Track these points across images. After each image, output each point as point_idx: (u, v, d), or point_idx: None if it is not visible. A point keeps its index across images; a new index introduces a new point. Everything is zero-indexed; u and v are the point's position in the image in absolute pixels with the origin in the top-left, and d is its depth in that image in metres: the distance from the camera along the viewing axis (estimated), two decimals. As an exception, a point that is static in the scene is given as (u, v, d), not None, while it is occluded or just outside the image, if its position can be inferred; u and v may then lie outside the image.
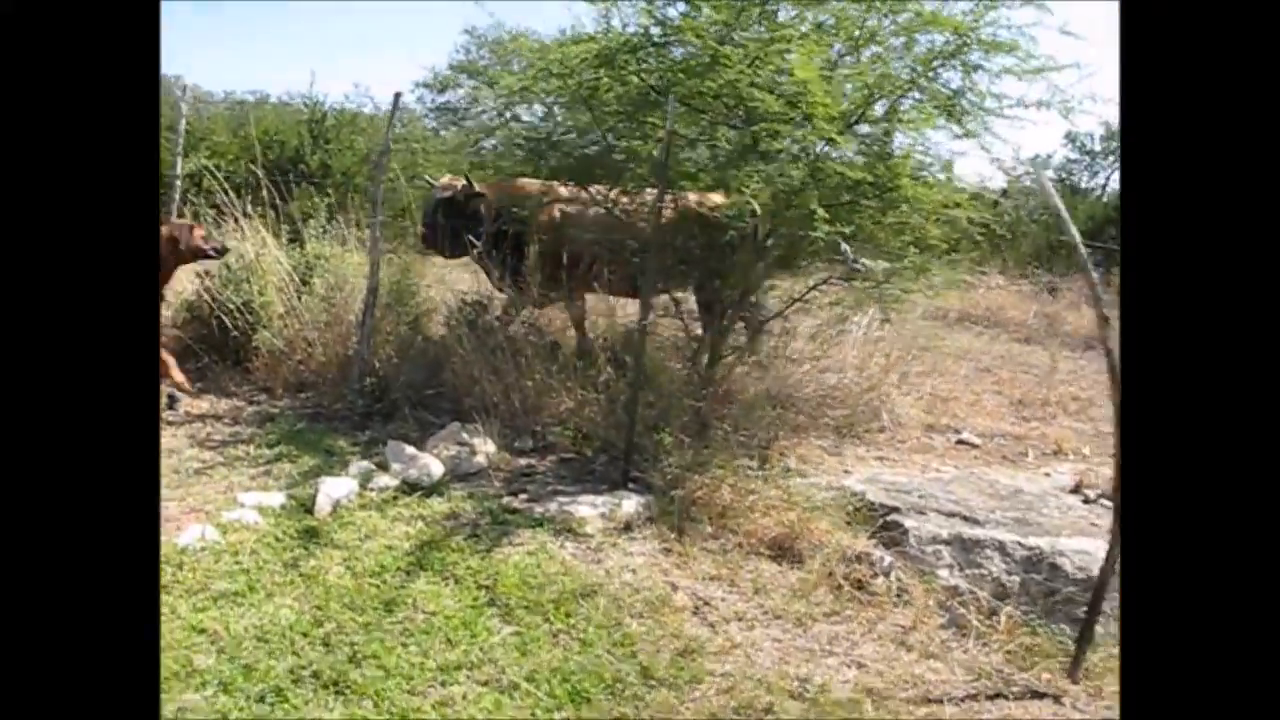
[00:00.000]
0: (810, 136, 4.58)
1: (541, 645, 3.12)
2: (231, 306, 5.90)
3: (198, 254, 5.84)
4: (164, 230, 5.64)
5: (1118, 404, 2.76)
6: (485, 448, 4.86)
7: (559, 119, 6.00)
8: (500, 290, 6.36)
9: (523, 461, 4.95)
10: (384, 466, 4.54)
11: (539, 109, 6.33)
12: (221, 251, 5.90)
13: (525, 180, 6.96)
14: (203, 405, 5.52)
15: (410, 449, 4.68)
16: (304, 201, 11.66)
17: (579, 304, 6.24)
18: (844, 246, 4.81)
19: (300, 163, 12.25)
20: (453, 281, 7.46)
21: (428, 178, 7.26)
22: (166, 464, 4.48)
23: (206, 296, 6.01)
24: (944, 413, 6.34)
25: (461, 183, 6.83)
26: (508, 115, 6.43)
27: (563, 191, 6.27)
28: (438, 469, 4.53)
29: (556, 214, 6.29)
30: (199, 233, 5.83)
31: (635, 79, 5.11)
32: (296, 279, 6.10)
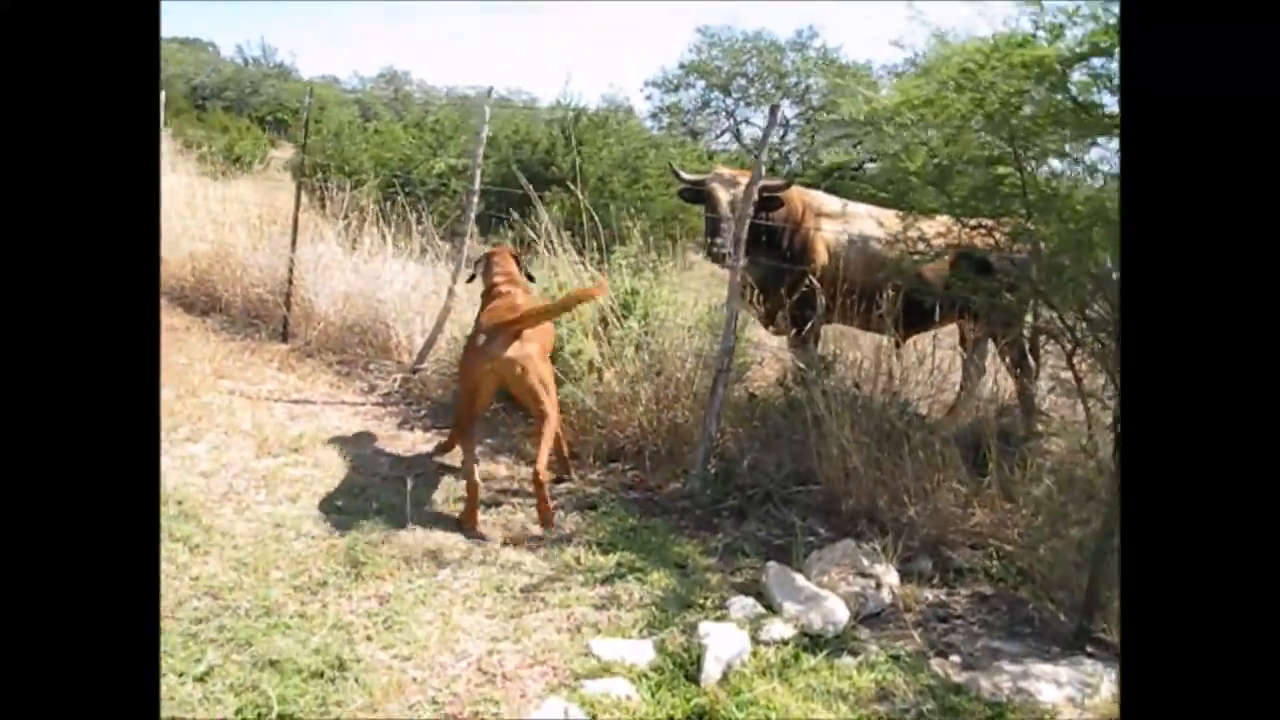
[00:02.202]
0: None
1: None
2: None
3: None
4: (504, 253, 4.88)
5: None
6: (888, 578, 3.59)
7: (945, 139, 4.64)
8: (769, 328, 5.20)
9: (929, 594, 3.67)
10: (767, 602, 3.36)
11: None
12: (531, 281, 4.99)
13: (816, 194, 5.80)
14: (499, 470, 4.51)
15: (800, 579, 3.48)
16: (557, 207, 10.86)
17: (974, 369, 4.92)
18: None
19: (551, 165, 11.40)
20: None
21: (680, 171, 6.07)
22: (487, 574, 3.45)
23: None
24: None
25: (776, 179, 5.70)
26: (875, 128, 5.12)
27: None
28: (842, 613, 3.30)
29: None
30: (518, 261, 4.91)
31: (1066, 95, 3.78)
32: (611, 318, 5.02)
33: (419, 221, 6.58)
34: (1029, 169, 4.23)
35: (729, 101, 23.60)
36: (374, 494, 4.16)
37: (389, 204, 8.07)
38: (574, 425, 4.84)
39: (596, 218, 5.75)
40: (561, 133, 11.49)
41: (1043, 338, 4.97)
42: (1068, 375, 4.88)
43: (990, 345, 5.61)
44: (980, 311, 4.97)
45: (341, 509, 3.95)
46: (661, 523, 4.05)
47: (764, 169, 4.59)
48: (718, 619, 3.26)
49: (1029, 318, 5.21)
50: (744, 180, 5.74)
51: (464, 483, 3.97)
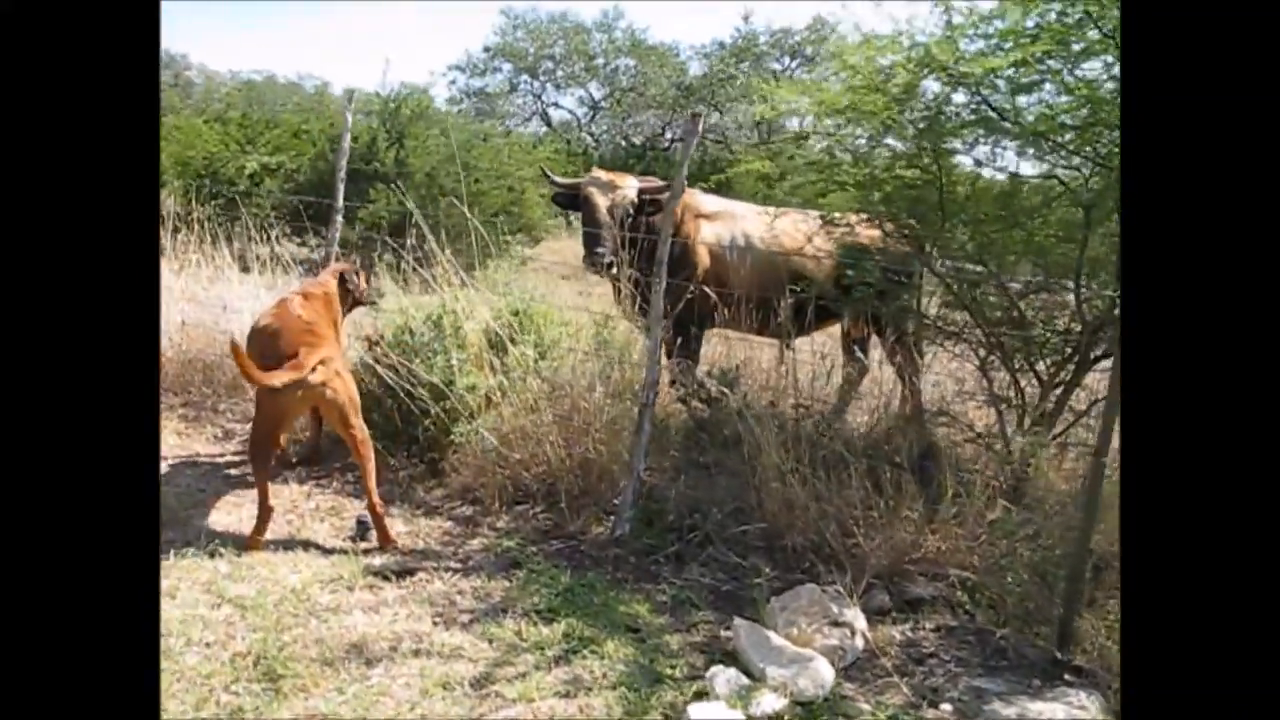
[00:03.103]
0: None
1: None
2: (415, 383, 4.33)
3: (358, 304, 4.54)
4: (334, 271, 4.50)
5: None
6: (859, 623, 3.34)
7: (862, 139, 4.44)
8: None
9: (896, 633, 3.45)
10: (744, 667, 3.04)
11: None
12: (379, 297, 4.56)
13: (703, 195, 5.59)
14: (398, 526, 3.97)
15: (774, 638, 3.17)
16: (382, 206, 10.10)
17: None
18: None
19: (373, 161, 10.61)
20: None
21: (553, 176, 5.73)
22: (427, 667, 2.95)
23: (378, 369, 4.43)
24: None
25: (654, 181, 5.44)
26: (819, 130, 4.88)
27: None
28: (828, 672, 3.02)
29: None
30: (360, 280, 4.47)
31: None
32: (500, 343, 4.53)
33: (260, 234, 5.81)
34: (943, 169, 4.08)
35: (536, 84, 23.04)
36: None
37: (202, 210, 7.22)
38: (471, 466, 4.35)
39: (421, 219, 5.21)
40: (382, 125, 10.70)
41: (931, 335, 4.86)
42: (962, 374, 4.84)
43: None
44: (869, 311, 4.85)
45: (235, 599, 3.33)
46: (596, 577, 3.64)
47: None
48: (697, 694, 2.91)
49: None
50: (621, 183, 5.38)
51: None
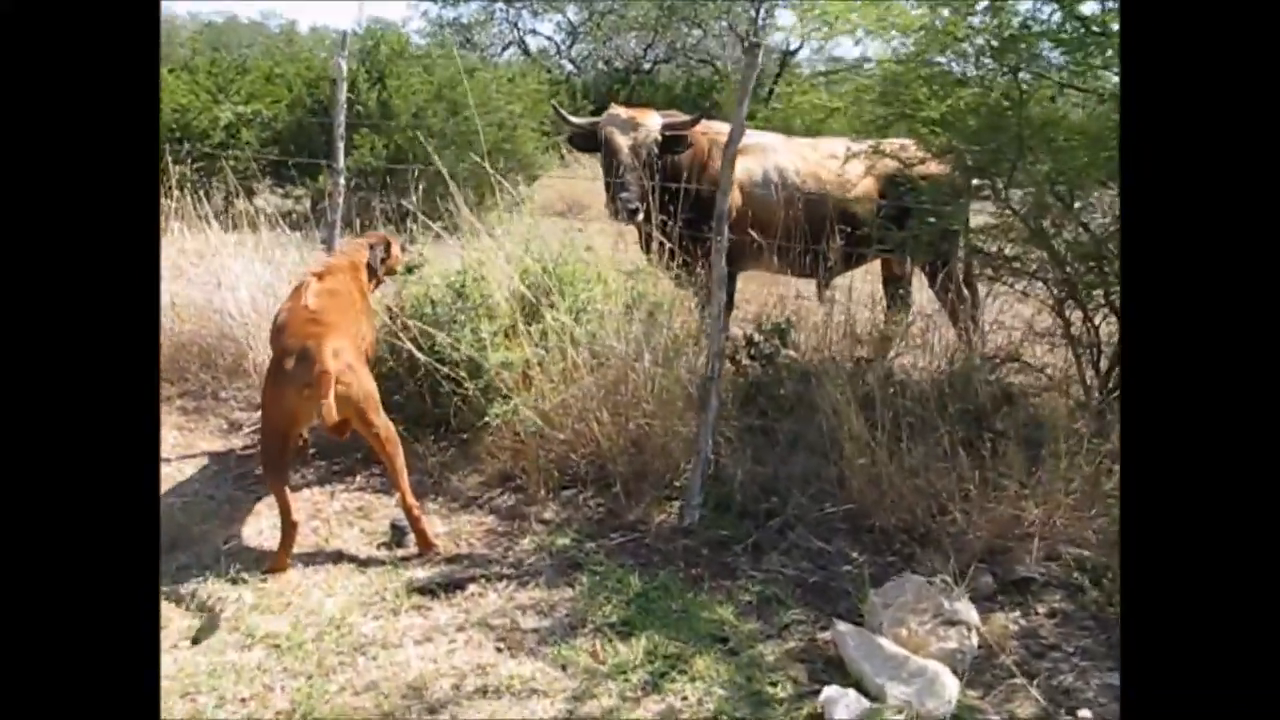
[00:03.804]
0: None
1: None
2: (444, 358, 3.87)
3: (391, 272, 4.15)
4: (364, 242, 4.10)
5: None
6: (971, 616, 2.96)
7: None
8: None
9: (1009, 622, 3.08)
10: (854, 679, 2.67)
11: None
12: (419, 265, 4.22)
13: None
14: (435, 524, 3.55)
15: (887, 645, 2.78)
16: (368, 150, 9.49)
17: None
18: None
19: (355, 105, 9.96)
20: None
21: (567, 115, 5.25)
22: (500, 709, 2.56)
23: (401, 341, 3.96)
24: None
25: (678, 116, 5.03)
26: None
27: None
28: (953, 685, 2.65)
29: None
30: (395, 250, 4.04)
31: None
32: (531, 309, 4.06)
33: (245, 189, 5.28)
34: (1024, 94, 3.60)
35: (512, 11, 22.04)
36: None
37: (179, 171, 6.68)
38: (508, 449, 3.92)
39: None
40: (361, 65, 10.04)
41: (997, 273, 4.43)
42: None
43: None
44: (917, 245, 4.44)
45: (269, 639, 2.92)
46: (668, 577, 3.23)
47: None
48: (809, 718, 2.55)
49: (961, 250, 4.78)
50: (643, 120, 4.91)
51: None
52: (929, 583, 3.03)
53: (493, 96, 10.61)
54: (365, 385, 3.29)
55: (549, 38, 23.11)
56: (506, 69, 15.98)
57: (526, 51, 22.50)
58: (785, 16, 19.98)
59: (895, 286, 5.34)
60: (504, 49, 22.68)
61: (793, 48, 19.59)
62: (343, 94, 4.44)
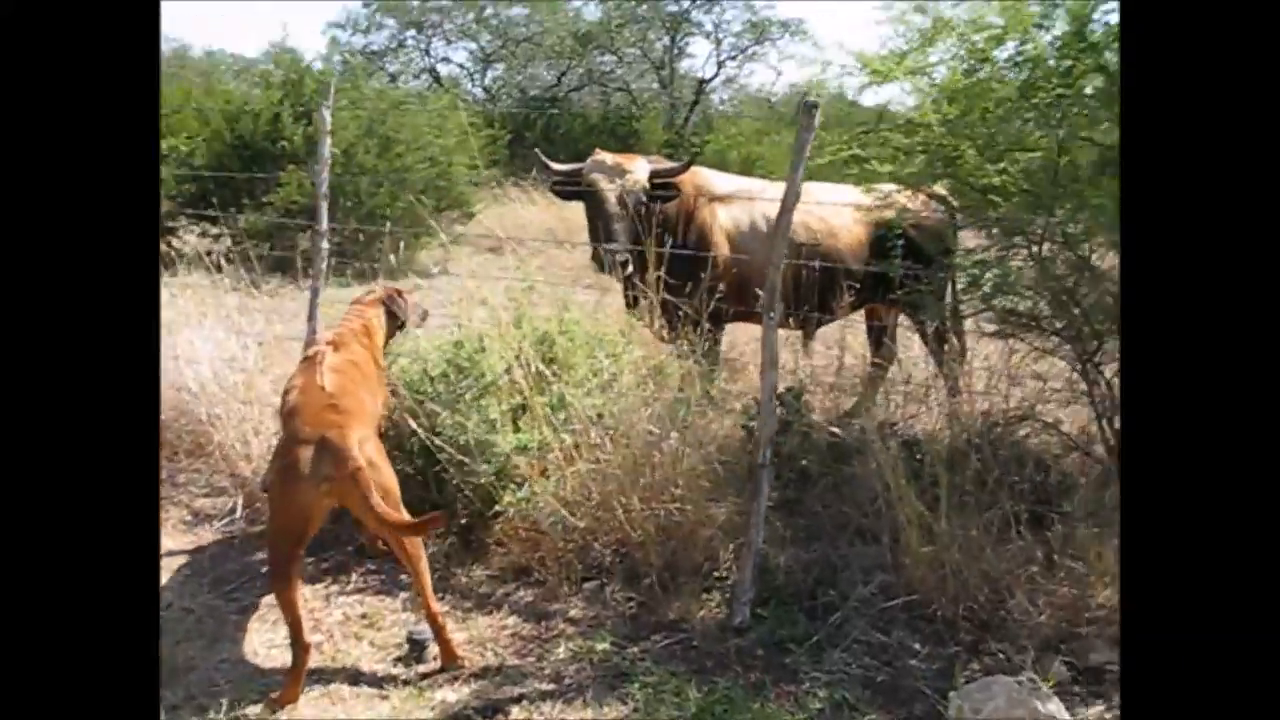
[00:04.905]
0: None
1: None
2: (450, 439, 3.51)
3: (400, 328, 3.83)
4: (375, 299, 3.73)
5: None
6: (1060, 715, 2.75)
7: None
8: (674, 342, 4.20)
9: (1096, 718, 2.88)
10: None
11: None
12: (422, 319, 3.93)
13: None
14: (451, 629, 3.17)
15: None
16: (294, 188, 9.00)
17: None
18: None
19: (279, 140, 9.45)
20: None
21: (549, 162, 4.96)
22: None
23: (405, 420, 3.58)
24: None
25: (667, 163, 4.84)
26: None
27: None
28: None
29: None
30: (412, 300, 3.83)
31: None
32: (534, 379, 3.71)
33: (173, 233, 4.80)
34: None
35: (423, 39, 21.53)
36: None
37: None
38: (520, 540, 3.58)
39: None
40: (285, 100, 9.52)
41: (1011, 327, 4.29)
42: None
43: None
44: (907, 295, 4.37)
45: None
46: (728, 685, 2.94)
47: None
48: None
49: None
50: (629, 166, 4.66)
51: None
52: (1019, 684, 2.81)
53: (424, 131, 10.20)
54: (386, 481, 2.92)
55: (461, 66, 22.69)
56: (435, 98, 15.59)
57: (438, 79, 22.03)
58: (698, 45, 20.08)
59: (879, 334, 5.24)
60: (416, 77, 22.17)
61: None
62: (326, 148, 4.00)
